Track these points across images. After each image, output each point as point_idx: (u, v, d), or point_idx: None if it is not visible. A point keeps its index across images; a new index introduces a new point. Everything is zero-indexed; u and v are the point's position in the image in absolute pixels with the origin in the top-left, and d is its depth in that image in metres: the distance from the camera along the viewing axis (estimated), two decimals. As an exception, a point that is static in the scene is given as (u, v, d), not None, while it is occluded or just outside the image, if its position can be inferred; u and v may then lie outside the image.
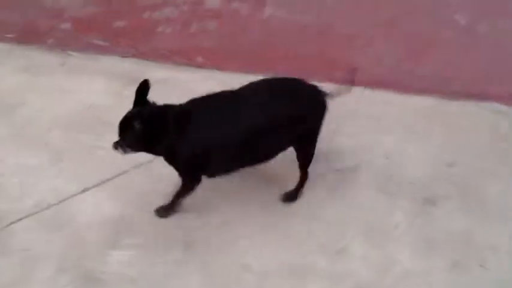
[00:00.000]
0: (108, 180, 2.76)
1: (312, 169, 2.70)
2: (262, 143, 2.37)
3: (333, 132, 2.95)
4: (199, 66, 3.48)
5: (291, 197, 2.67)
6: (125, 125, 2.32)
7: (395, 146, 2.98)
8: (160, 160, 2.47)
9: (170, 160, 2.42)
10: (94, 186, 2.70)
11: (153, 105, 2.35)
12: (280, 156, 2.57)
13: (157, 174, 2.69)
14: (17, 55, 3.55)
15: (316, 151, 2.66)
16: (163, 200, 2.59)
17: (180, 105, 2.37)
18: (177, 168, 2.43)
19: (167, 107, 2.35)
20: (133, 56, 3.58)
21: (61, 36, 3.70)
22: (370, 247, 2.53)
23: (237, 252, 2.50)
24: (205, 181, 2.57)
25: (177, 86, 3.33)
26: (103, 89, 3.16)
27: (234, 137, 2.31)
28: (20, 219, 2.60)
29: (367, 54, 3.58)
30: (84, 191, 2.66)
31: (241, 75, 3.18)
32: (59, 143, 2.97)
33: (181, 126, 2.32)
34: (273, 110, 2.33)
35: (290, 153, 2.62)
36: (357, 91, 3.03)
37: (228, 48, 3.66)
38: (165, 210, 2.58)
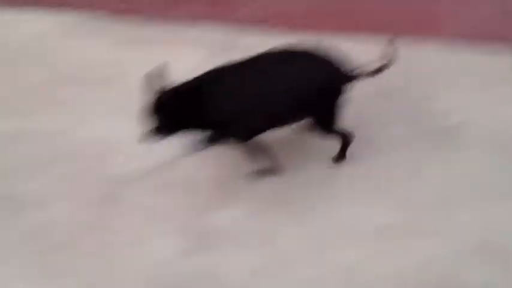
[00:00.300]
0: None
1: (414, 127, 2.66)
2: (277, 111, 2.36)
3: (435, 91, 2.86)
4: (297, 30, 3.33)
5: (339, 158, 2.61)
6: (158, 108, 2.29)
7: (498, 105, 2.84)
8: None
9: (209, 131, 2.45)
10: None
11: (177, 85, 2.33)
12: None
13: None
14: (114, 28, 3.40)
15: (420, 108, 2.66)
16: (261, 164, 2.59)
17: (200, 78, 2.34)
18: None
19: (189, 83, 2.33)
20: (229, 22, 3.40)
21: (157, 7, 3.55)
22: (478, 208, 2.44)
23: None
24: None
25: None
26: (200, 58, 3.06)
27: (252, 103, 2.32)
28: (131, 182, 2.57)
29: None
30: (188, 155, 2.58)
31: (340, 37, 3.05)
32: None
33: (206, 98, 2.29)
34: (284, 80, 2.32)
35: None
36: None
37: (325, 9, 3.46)
38: (258, 174, 2.55)
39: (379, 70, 2.43)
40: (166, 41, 3.32)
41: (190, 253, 2.31)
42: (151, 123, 2.29)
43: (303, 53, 2.37)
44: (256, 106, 2.31)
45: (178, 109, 2.25)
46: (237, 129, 2.37)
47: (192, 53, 3.13)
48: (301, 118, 2.41)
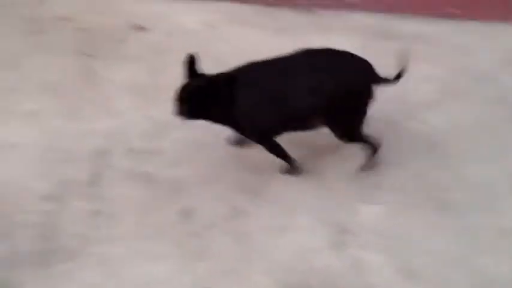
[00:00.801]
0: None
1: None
2: (300, 115, 2.34)
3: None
4: (452, 17, 3.18)
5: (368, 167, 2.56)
6: (180, 96, 2.35)
7: None
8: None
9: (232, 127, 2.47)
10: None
11: (204, 76, 2.36)
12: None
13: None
14: (267, 16, 3.47)
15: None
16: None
17: (229, 73, 2.36)
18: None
19: (218, 76, 2.35)
20: (380, 11, 3.36)
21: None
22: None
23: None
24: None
25: (429, 40, 3.15)
26: (352, 46, 3.03)
27: (277, 106, 2.31)
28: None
29: None
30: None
31: (502, 24, 2.90)
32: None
33: (230, 96, 2.31)
34: (312, 82, 2.28)
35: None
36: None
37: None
38: (287, 171, 2.56)
39: (398, 76, 2.36)
40: (323, 28, 3.32)
41: (334, 245, 2.33)
42: (178, 107, 2.37)
43: (333, 55, 2.34)
44: (278, 108, 2.30)
45: (203, 99, 2.31)
46: (253, 129, 2.41)
47: (344, 39, 3.03)
48: (327, 120, 2.37)
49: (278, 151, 2.46)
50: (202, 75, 2.36)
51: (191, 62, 2.34)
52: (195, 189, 2.52)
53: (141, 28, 3.35)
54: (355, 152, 2.55)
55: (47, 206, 2.45)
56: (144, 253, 2.30)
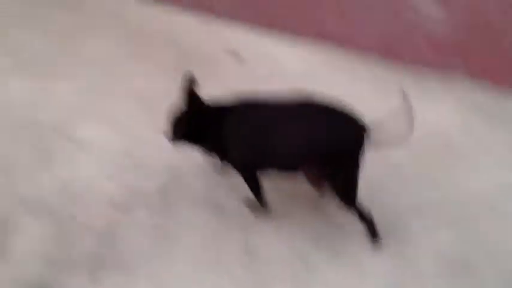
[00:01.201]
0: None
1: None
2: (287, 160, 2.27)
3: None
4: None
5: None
6: (173, 123, 2.36)
7: None
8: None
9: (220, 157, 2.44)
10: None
11: (201, 105, 2.33)
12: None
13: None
14: (371, 70, 3.37)
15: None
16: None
17: (223, 106, 2.32)
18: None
19: (212, 109, 2.33)
20: (483, 80, 3.23)
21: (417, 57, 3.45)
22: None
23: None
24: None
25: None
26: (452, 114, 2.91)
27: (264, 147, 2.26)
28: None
29: None
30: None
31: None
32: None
33: (219, 129, 2.30)
34: (302, 133, 2.20)
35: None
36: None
37: None
38: (254, 206, 2.47)
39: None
40: (424, 90, 3.21)
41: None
42: (170, 131, 2.36)
43: (327, 106, 2.24)
44: (262, 149, 2.26)
45: (193, 128, 2.33)
46: (234, 159, 2.34)
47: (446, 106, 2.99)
48: (323, 174, 2.28)
49: (254, 187, 2.40)
50: (197, 100, 2.31)
51: (190, 83, 2.28)
52: (265, 227, 2.39)
53: (240, 58, 3.34)
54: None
55: (112, 212, 2.38)
56: (199, 280, 2.17)
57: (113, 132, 2.76)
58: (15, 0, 3.88)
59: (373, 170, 2.42)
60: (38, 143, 2.70)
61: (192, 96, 2.29)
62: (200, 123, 2.30)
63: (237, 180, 2.44)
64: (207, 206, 2.46)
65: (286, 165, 2.30)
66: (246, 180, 2.38)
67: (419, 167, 2.70)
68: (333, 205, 2.40)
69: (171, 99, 2.73)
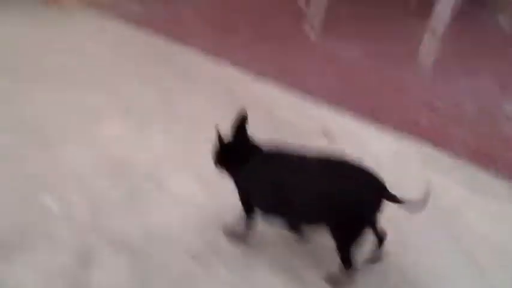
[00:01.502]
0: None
1: None
2: (297, 209, 2.31)
3: None
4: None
5: (335, 280, 2.37)
6: (216, 150, 2.49)
7: None
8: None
9: None
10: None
11: (245, 139, 2.45)
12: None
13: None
14: (463, 173, 3.35)
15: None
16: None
17: (258, 148, 2.44)
18: None
19: (251, 147, 2.44)
20: None
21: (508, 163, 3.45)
22: None
23: None
24: None
25: None
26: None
27: (270, 193, 2.35)
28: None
29: None
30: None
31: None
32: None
33: (242, 167, 2.42)
34: (314, 186, 2.24)
35: None
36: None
37: None
38: (233, 236, 2.57)
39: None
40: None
41: None
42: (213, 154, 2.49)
43: (348, 165, 2.27)
44: (276, 198, 2.32)
45: (225, 157, 2.46)
46: (242, 196, 2.46)
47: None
48: (329, 225, 2.26)
49: (247, 218, 2.50)
50: (243, 134, 2.44)
51: (241, 120, 2.42)
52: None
53: (330, 136, 3.37)
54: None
55: (189, 262, 2.36)
56: None
57: (201, 187, 2.80)
58: (131, 59, 4.26)
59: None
60: (129, 184, 2.79)
61: (239, 129, 2.44)
62: (237, 155, 2.45)
63: (321, 253, 2.41)
64: (286, 273, 2.39)
65: (300, 218, 2.38)
66: (245, 211, 2.49)
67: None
68: None
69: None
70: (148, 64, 4.11)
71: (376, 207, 2.22)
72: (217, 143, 2.46)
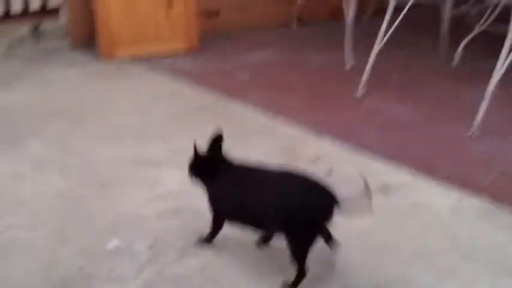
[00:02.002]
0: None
1: None
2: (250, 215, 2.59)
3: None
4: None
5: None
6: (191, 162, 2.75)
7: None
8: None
9: None
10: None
11: (219, 153, 2.68)
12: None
13: None
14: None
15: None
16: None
17: (228, 163, 2.69)
18: None
19: (223, 161, 2.68)
20: None
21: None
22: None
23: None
24: None
25: None
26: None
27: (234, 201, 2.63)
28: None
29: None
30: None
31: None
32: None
33: (212, 179, 2.69)
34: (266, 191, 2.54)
35: None
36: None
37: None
38: (204, 241, 2.81)
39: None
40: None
41: None
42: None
43: (304, 177, 2.51)
44: (239, 205, 2.59)
45: (197, 169, 2.73)
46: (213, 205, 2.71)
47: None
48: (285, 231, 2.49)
49: (215, 225, 2.73)
50: (217, 149, 2.67)
51: (217, 137, 2.65)
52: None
53: (386, 190, 3.40)
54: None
55: None
56: None
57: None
58: (188, 113, 4.45)
59: None
60: (187, 228, 2.94)
61: (214, 145, 2.66)
62: (210, 168, 2.68)
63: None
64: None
65: (255, 223, 2.60)
66: (213, 220, 2.73)
67: None
68: None
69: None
70: (204, 118, 4.24)
71: (325, 217, 2.46)
72: (193, 156, 2.73)
